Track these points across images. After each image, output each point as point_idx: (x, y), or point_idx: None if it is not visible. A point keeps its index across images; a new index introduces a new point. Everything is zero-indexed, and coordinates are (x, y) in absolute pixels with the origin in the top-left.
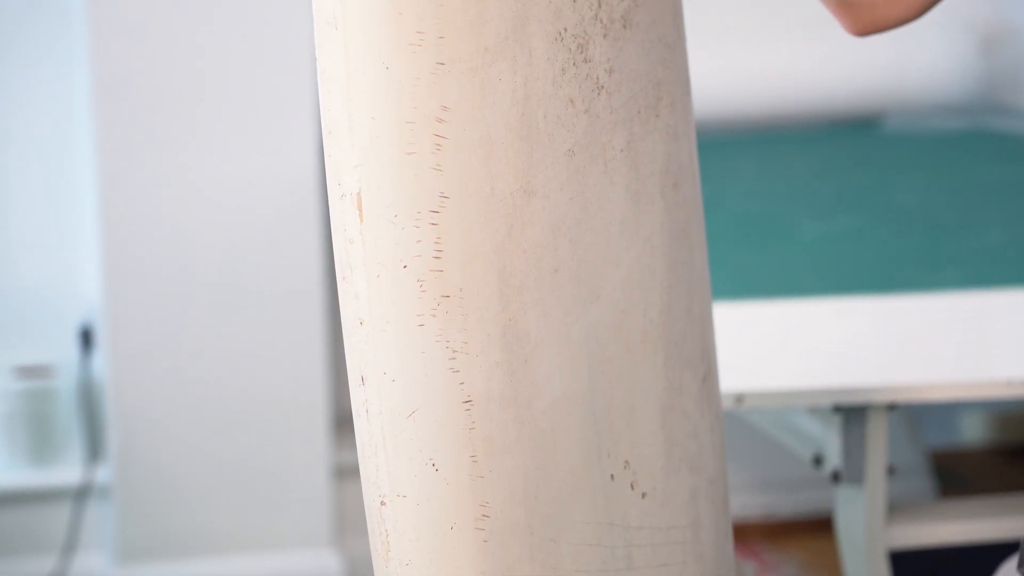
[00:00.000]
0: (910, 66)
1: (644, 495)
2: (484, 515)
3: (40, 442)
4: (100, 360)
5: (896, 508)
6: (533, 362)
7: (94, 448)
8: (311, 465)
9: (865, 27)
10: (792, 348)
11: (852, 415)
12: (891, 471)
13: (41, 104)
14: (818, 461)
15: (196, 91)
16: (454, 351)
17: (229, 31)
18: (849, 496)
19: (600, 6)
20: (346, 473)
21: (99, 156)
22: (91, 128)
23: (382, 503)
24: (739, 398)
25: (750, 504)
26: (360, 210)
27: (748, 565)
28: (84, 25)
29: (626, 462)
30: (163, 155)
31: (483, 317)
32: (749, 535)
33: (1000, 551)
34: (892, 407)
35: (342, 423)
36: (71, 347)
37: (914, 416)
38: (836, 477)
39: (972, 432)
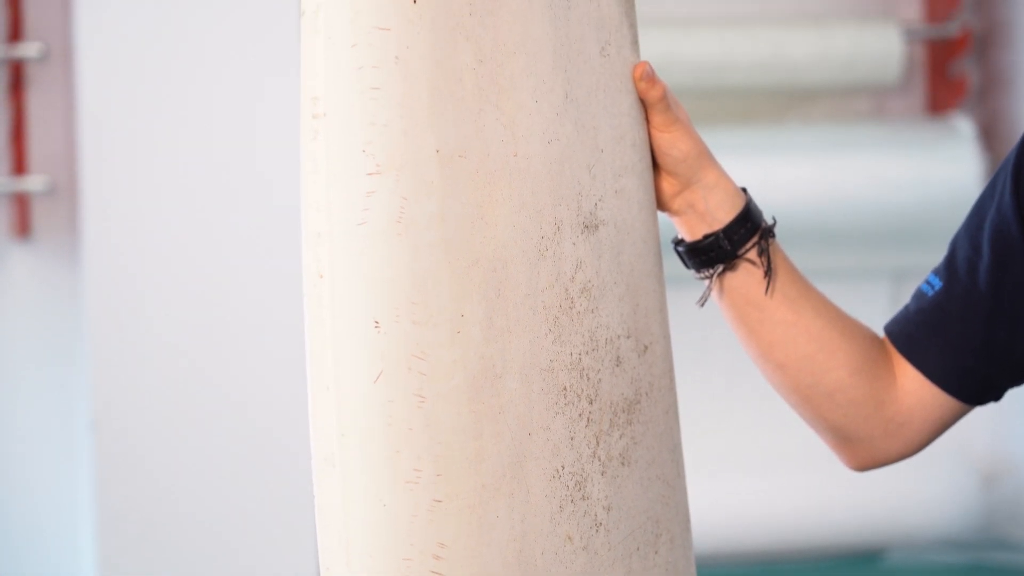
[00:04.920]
0: (910, 500)
1: None
2: None
3: None
4: None
5: None
6: None
7: None
8: None
9: (864, 462)
10: None
11: None
12: None
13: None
14: None
15: (197, 513)
16: None
17: (230, 425)
18: None
19: (598, 444)
20: None
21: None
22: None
23: None
24: None
25: None
26: None
27: None
28: (89, 457)
29: None
30: (164, 548)
31: None
32: None
33: None
34: None
35: None
36: None
37: None
38: None
39: None
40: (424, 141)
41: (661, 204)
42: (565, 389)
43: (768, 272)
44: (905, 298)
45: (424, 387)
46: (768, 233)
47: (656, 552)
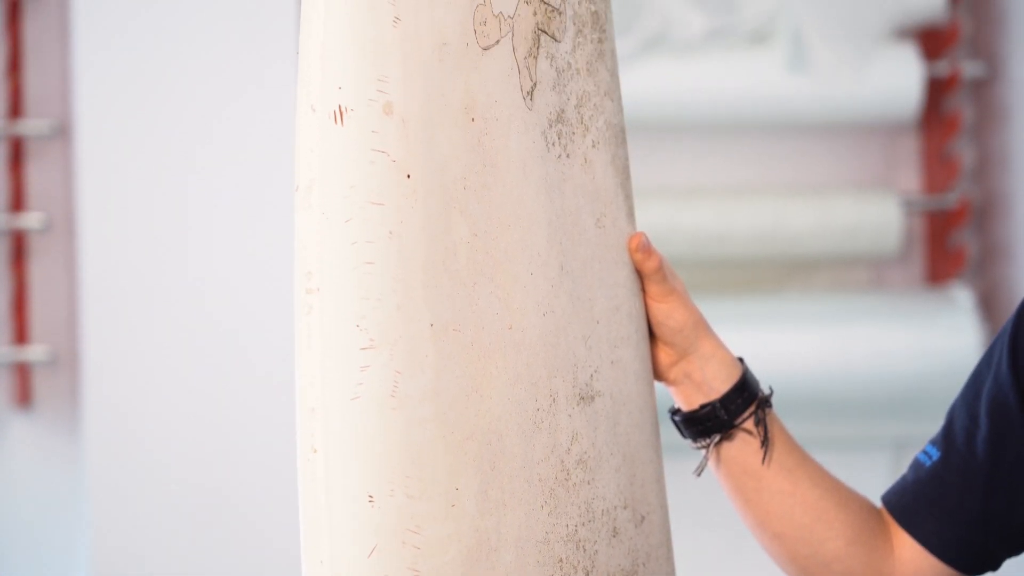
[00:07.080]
0: None
1: None
2: None
3: None
4: None
5: None
6: None
7: None
8: None
9: None
10: None
11: None
12: None
13: None
14: None
15: None
16: None
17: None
18: None
19: None
20: None
21: None
22: None
23: None
24: None
25: None
26: None
27: None
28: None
29: None
30: None
31: None
32: None
33: None
34: None
35: None
36: None
37: None
38: None
39: None
40: (418, 315)
41: (658, 374)
42: (561, 561)
43: (765, 442)
44: (905, 467)
45: (419, 561)
46: (765, 403)
47: None
